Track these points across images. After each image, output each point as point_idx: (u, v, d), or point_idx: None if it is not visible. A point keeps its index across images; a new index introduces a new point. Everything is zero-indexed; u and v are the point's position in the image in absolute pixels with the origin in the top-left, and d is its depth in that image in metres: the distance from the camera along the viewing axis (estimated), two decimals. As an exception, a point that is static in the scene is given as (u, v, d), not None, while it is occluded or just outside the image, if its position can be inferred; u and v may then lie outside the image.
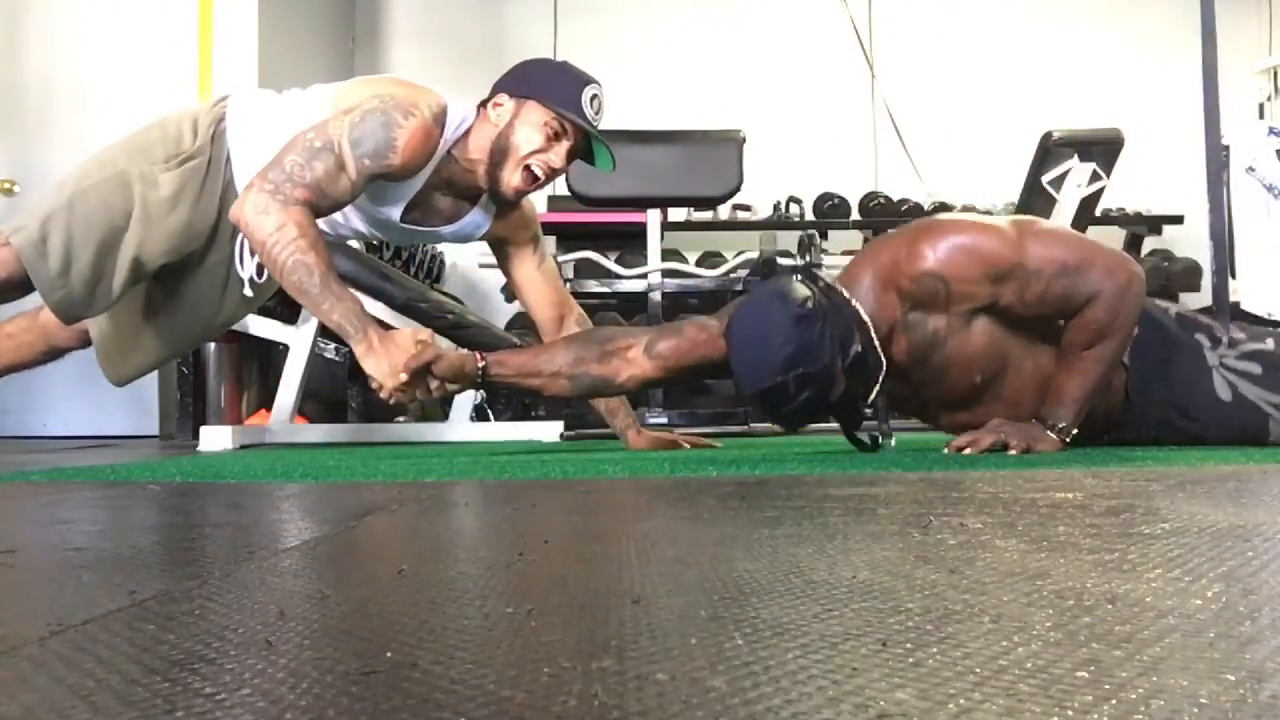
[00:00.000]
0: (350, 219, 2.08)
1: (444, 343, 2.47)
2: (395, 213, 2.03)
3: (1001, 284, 1.73)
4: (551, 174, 2.00)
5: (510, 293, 2.33)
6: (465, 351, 1.99)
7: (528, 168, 1.97)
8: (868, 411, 1.79)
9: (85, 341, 2.15)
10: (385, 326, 1.91)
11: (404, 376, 1.78)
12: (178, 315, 2.12)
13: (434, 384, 1.86)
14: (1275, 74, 4.65)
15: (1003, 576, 0.56)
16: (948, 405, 1.91)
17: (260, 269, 2.06)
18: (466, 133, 2.00)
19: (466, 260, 5.19)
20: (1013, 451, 1.69)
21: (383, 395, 1.81)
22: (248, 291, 2.11)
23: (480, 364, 1.90)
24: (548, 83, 1.99)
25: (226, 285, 2.09)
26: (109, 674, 0.37)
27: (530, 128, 1.95)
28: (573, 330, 2.20)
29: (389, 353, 1.79)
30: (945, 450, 1.73)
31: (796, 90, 5.70)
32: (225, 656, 0.40)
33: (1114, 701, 0.32)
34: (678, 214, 5.18)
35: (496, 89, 2.02)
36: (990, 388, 1.84)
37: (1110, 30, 5.76)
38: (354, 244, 3.13)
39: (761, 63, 5.77)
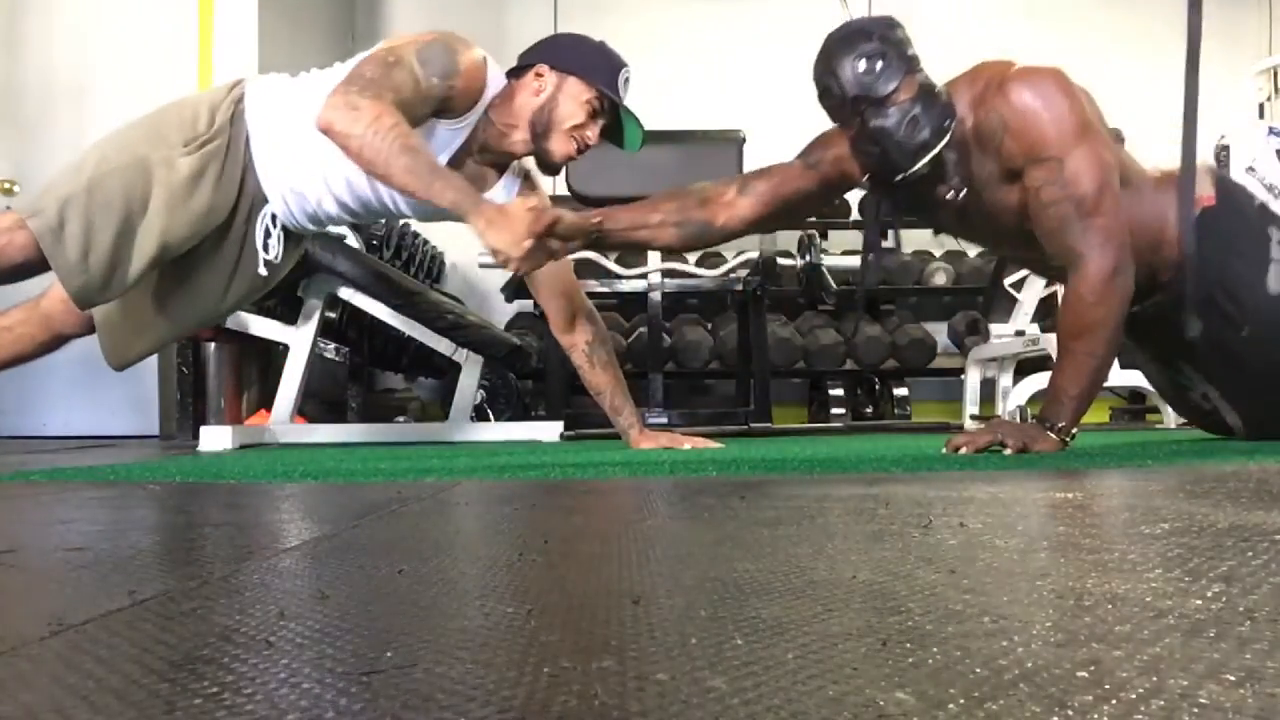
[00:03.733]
0: (382, 188, 2.03)
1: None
2: None
3: (1035, 166, 1.77)
4: (587, 148, 2.10)
5: (510, 292, 2.32)
6: (583, 211, 2.04)
7: (572, 139, 2.06)
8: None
9: (89, 328, 2.13)
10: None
11: (528, 243, 1.76)
12: (184, 298, 2.12)
13: (555, 245, 1.85)
14: (1275, 74, 4.64)
15: (1003, 576, 0.56)
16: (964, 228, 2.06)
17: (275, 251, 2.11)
18: (507, 97, 2.07)
19: (466, 260, 5.19)
20: (1008, 451, 1.69)
21: (509, 268, 1.75)
22: (262, 271, 2.12)
23: (596, 220, 1.94)
24: (590, 61, 2.10)
25: (237, 267, 2.09)
26: (109, 674, 0.37)
27: (573, 102, 2.06)
28: (585, 327, 2.25)
29: (510, 224, 1.76)
30: (942, 450, 1.74)
31: (796, 90, 5.69)
32: (225, 656, 0.40)
33: (1114, 701, 0.32)
34: (678, 214, 5.18)
35: (531, 58, 2.11)
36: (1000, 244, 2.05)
37: (1109, 31, 5.75)
38: (352, 243, 3.13)
39: (761, 63, 5.76)
